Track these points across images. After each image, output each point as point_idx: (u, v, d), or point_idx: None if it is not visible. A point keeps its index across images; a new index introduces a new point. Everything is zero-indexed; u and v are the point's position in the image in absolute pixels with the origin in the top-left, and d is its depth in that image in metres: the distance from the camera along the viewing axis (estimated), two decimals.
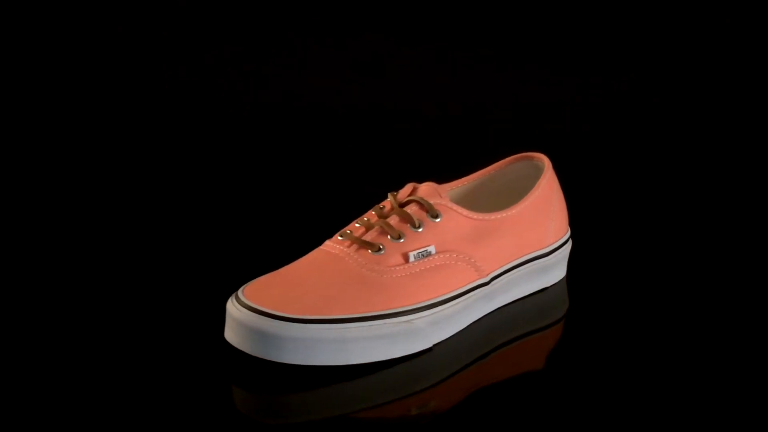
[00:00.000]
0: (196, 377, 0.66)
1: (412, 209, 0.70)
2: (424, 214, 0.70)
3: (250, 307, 0.65)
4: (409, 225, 0.69)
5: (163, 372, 0.66)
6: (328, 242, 0.70)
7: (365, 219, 0.71)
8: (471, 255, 0.70)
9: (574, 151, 1.16)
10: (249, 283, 0.68)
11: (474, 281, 0.71)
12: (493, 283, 0.72)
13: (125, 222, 0.94)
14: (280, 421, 0.64)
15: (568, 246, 0.79)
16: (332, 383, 0.65)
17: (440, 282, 0.68)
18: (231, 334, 0.66)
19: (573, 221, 0.81)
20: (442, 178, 0.78)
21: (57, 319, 0.74)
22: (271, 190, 1.05)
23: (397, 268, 0.67)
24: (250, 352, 0.65)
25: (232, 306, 0.66)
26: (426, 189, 0.71)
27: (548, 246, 0.76)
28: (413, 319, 0.67)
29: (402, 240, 0.69)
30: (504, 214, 0.73)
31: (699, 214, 1.00)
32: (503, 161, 0.80)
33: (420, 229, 0.69)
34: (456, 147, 1.19)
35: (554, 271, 0.78)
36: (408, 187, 0.72)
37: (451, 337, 0.70)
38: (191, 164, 1.11)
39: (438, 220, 0.70)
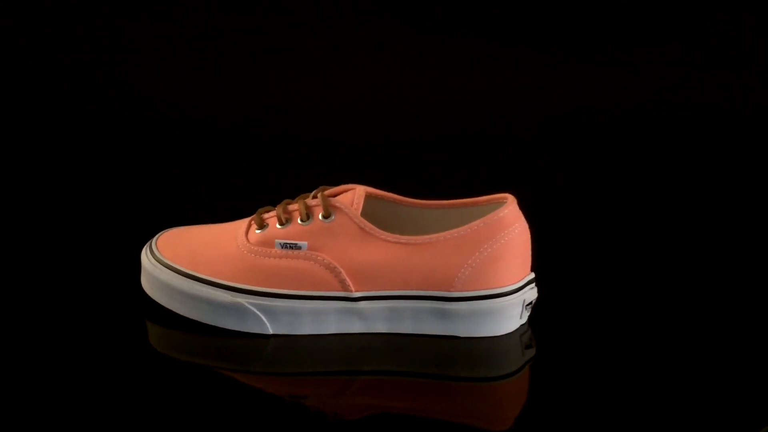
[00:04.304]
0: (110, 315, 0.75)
1: (310, 203, 0.71)
2: (318, 211, 0.70)
3: (151, 249, 0.74)
4: (298, 216, 0.71)
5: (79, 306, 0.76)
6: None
7: (289, 201, 0.73)
8: (341, 265, 0.69)
9: (572, 153, 1.17)
10: (168, 231, 0.76)
11: (332, 292, 0.69)
12: (363, 302, 0.70)
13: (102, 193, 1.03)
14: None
15: (504, 302, 0.70)
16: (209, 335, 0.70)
17: (287, 276, 0.69)
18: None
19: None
20: (435, 178, 0.76)
21: None
22: (268, 185, 1.06)
23: (260, 249, 0.70)
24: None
25: (143, 252, 0.75)
26: (349, 192, 0.71)
27: (455, 291, 0.69)
28: (239, 298, 0.69)
29: (286, 227, 0.71)
30: (406, 240, 0.69)
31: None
32: (480, 198, 0.73)
33: (306, 223, 0.70)
34: (454, 148, 1.17)
35: (467, 322, 0.70)
36: (343, 186, 0.73)
37: (309, 338, 0.70)
38: (188, 160, 1.15)
39: (328, 220, 0.70)
